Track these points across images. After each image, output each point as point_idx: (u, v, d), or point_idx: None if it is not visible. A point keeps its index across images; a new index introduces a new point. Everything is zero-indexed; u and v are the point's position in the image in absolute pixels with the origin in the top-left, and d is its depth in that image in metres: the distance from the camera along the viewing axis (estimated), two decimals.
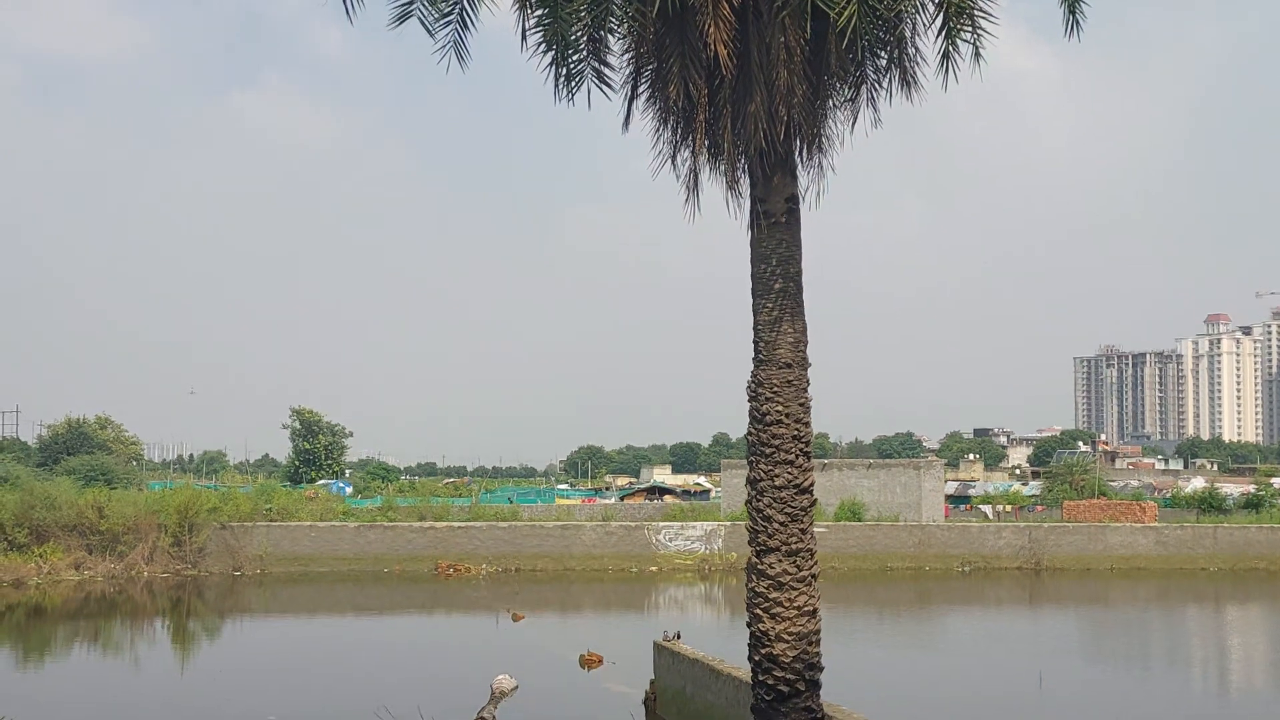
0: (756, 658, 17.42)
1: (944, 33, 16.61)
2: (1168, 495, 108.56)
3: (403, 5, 17.16)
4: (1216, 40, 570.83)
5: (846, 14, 15.30)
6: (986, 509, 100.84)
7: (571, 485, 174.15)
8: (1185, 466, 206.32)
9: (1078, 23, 17.02)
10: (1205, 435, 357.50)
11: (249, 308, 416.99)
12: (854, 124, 17.94)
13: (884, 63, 17.55)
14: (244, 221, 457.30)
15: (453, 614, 58.67)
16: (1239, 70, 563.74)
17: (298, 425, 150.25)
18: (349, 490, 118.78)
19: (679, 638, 30.85)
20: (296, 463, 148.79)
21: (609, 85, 17.47)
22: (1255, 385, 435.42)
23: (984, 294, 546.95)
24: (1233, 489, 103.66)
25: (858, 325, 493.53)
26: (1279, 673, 43.77)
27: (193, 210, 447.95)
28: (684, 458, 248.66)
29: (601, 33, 17.24)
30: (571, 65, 17.19)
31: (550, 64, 17.05)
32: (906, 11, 16.62)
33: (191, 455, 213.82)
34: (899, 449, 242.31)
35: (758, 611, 17.41)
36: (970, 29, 16.50)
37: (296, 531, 72.89)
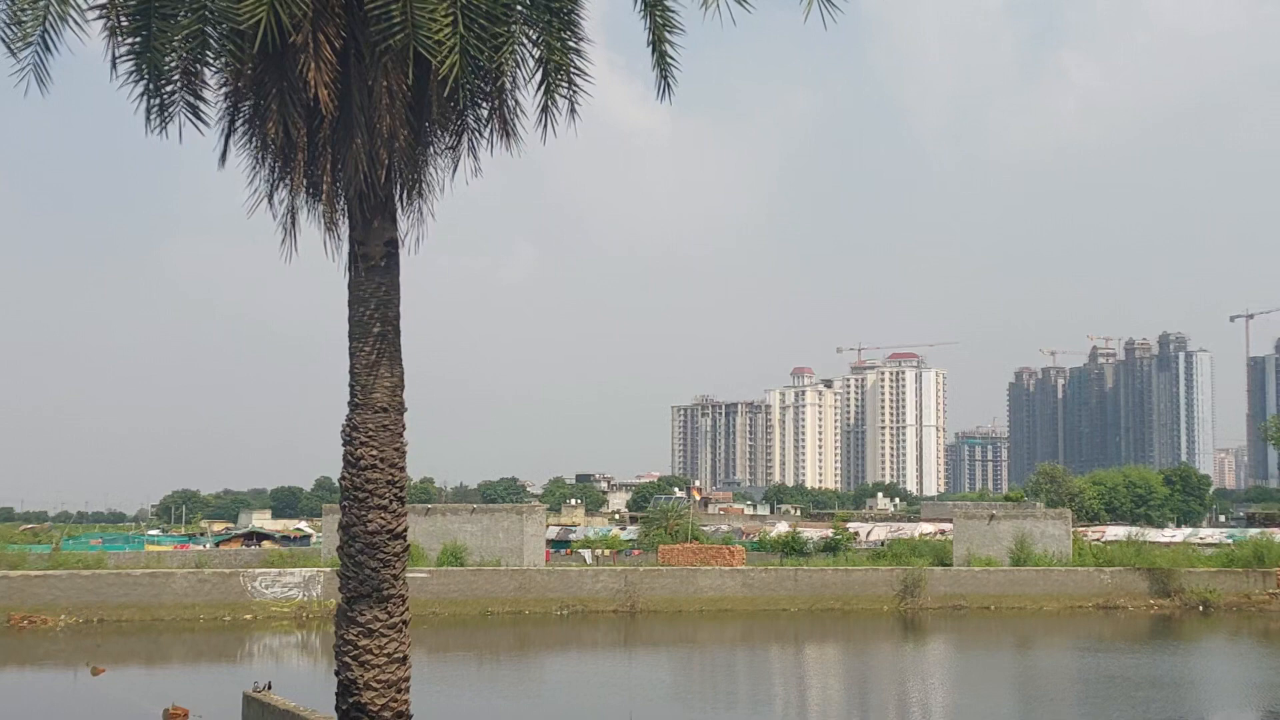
0: (344, 706, 17.19)
1: (544, 87, 17.08)
2: (755, 539, 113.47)
3: None
4: (808, 106, 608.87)
5: (449, 63, 15.46)
6: (586, 553, 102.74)
7: (164, 531, 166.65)
8: (772, 512, 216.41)
9: (669, 85, 17.78)
10: (790, 482, 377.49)
11: None
12: (454, 171, 18.16)
13: (485, 113, 17.83)
14: None
15: (24, 669, 54.86)
16: (827, 137, 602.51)
17: None
18: None
19: (270, 688, 29.99)
20: None
21: (204, 120, 17.00)
22: (835, 435, 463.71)
23: (590, 342, 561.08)
24: (813, 533, 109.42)
25: (467, 370, 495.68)
26: (854, 714, 46.54)
27: None
28: (286, 502, 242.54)
29: (197, 65, 16.76)
30: (165, 96, 16.64)
31: (141, 94, 16.44)
32: (507, 65, 16.94)
33: None
34: (504, 494, 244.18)
35: (346, 659, 17.20)
36: (567, 85, 17.04)
37: None
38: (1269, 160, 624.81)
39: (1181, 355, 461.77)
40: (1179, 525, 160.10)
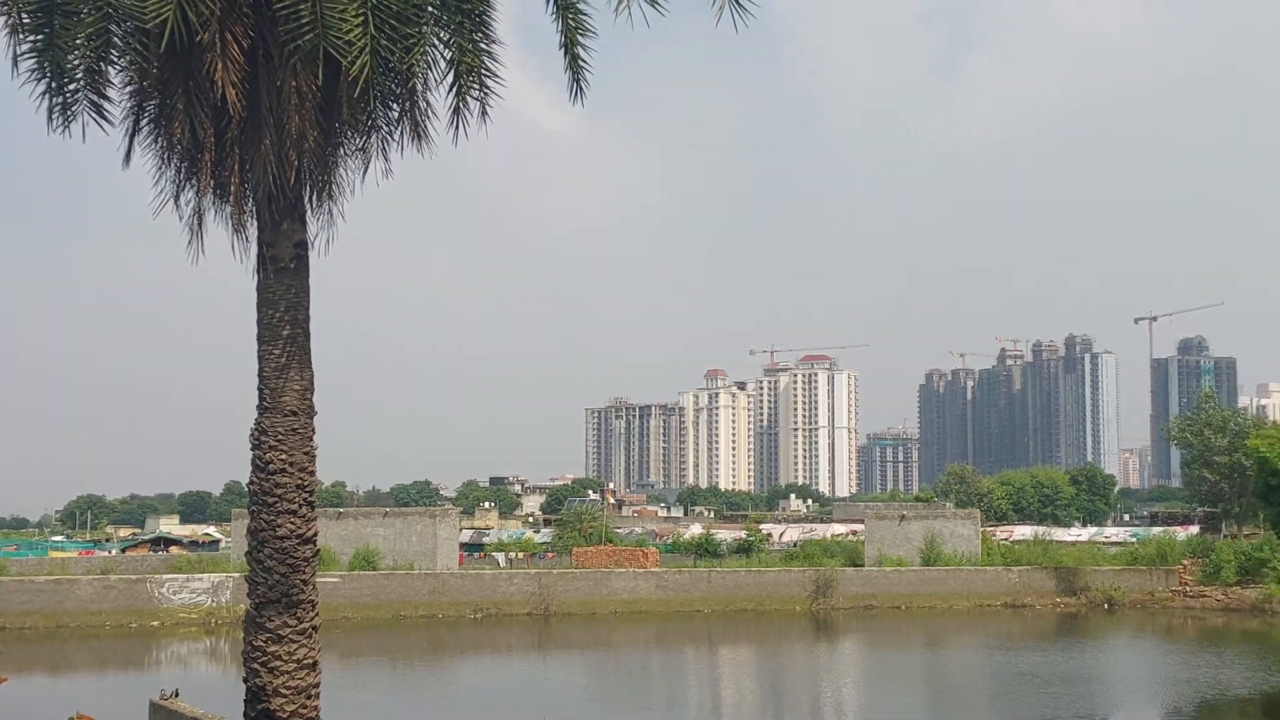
0: (253, 713, 17.00)
1: (455, 89, 16.99)
2: (669, 541, 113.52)
3: None
4: (723, 109, 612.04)
5: (359, 64, 15.36)
6: (500, 556, 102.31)
7: (68, 537, 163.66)
8: (686, 513, 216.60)
9: (582, 88, 17.76)
10: (704, 484, 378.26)
11: None
12: (365, 173, 18.02)
13: (396, 114, 17.71)
14: None
15: None
16: (742, 140, 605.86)
17: None
18: None
19: (177, 695, 29.51)
20: None
21: (108, 119, 16.70)
22: (749, 437, 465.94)
23: (504, 344, 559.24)
24: (727, 535, 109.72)
25: (380, 372, 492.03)
26: (768, 714, 46.78)
27: None
28: (194, 507, 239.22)
29: (102, 64, 16.45)
30: (68, 95, 16.32)
31: (44, 93, 16.13)
32: (419, 66, 16.83)
33: None
34: (416, 497, 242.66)
35: (255, 666, 17.00)
36: (478, 87, 16.97)
37: None
38: (1175, 164, 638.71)
39: (1087, 357, 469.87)
40: (1085, 524, 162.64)
